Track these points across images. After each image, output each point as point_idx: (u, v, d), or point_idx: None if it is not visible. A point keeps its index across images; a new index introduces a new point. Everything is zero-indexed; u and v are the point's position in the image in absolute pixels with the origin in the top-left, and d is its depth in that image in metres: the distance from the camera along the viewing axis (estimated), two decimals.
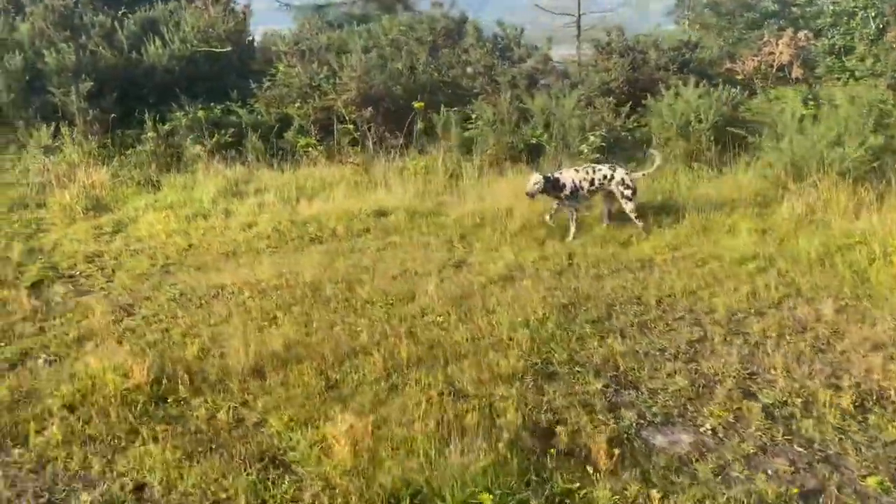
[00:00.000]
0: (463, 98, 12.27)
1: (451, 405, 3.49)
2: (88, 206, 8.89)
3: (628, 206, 7.09)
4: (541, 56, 12.41)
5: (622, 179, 7.09)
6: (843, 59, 12.85)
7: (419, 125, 11.61)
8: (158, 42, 12.33)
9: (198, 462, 3.18)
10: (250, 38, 14.58)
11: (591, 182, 7.12)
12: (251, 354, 4.05)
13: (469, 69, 12.83)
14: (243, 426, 3.48)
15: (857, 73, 12.23)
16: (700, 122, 8.71)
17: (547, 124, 10.32)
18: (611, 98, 10.92)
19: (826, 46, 13.42)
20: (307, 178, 9.89)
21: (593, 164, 7.43)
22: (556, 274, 5.87)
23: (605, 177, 7.14)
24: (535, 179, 7.08)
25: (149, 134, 10.77)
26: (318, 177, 9.95)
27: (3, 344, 4.82)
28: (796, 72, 13.24)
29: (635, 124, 10.11)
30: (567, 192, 7.03)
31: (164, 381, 3.88)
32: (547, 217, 7.25)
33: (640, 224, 7.09)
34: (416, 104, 11.66)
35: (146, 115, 11.11)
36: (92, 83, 10.95)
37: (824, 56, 13.28)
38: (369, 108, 11.44)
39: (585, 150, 9.24)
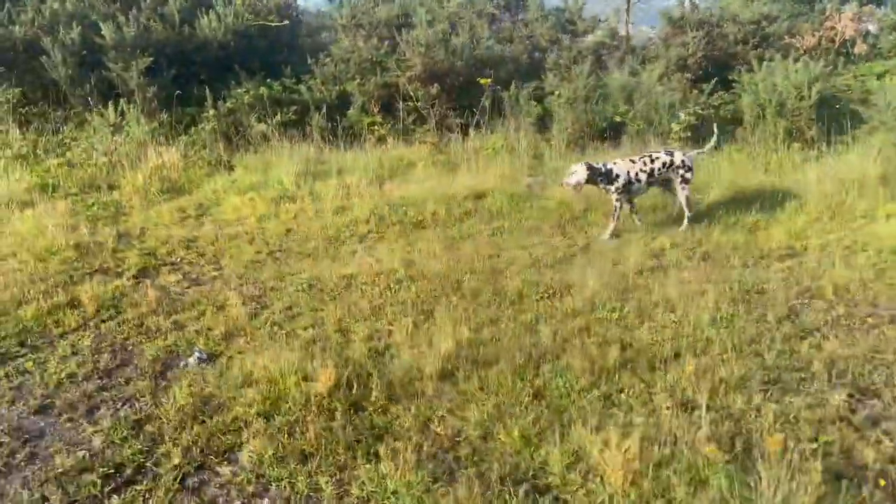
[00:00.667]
0: (528, 74, 11.82)
1: (698, 420, 3.13)
2: (163, 187, 8.53)
3: (684, 192, 6.46)
4: (608, 30, 11.93)
5: (682, 161, 6.45)
6: None
7: (485, 102, 11.20)
8: (213, 15, 11.82)
9: (449, 486, 2.85)
10: (299, 12, 14.04)
11: (651, 173, 6.40)
12: (436, 355, 3.72)
13: (529, 43, 12.36)
14: (470, 440, 3.14)
15: None
16: (801, 98, 8.30)
17: (628, 101, 9.91)
18: (689, 74, 10.50)
19: (892, 22, 12.89)
20: (382, 158, 9.49)
21: (650, 153, 6.66)
22: (698, 263, 5.53)
23: (664, 164, 6.44)
24: (576, 169, 6.30)
25: (210, 112, 10.37)
26: (393, 157, 9.54)
27: (144, 340, 4.50)
28: (859, 48, 12.76)
29: (720, 101, 9.69)
30: (620, 184, 6.30)
31: (347, 384, 3.56)
32: (611, 228, 6.35)
33: (688, 213, 6.45)
34: (483, 80, 11.22)
35: (203, 91, 10.73)
36: (151, 58, 10.50)
37: (889, 31, 12.77)
38: (435, 85, 11.02)
39: (676, 129, 8.84)
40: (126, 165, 8.92)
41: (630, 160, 6.50)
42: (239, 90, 10.71)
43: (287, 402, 3.41)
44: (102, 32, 10.44)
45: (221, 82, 11.18)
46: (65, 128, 10.18)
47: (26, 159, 9.22)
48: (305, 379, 3.62)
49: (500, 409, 3.30)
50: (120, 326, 4.71)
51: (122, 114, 9.87)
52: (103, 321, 4.83)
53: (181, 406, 3.50)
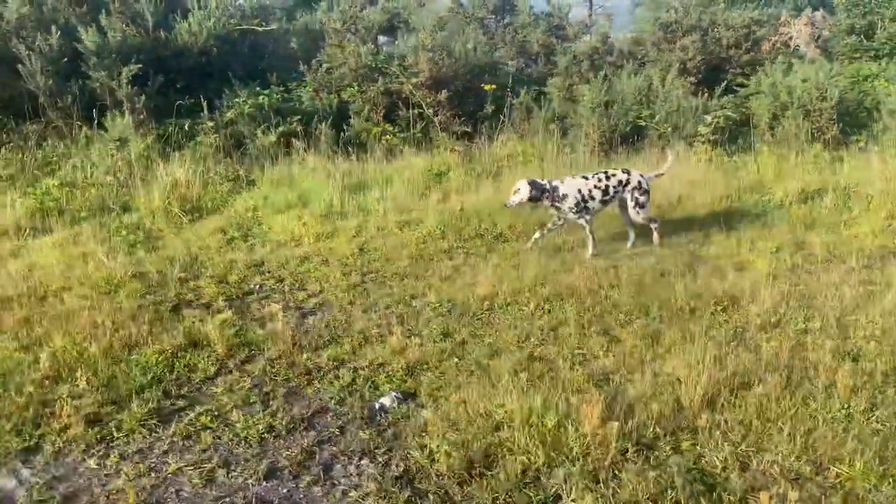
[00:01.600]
0: (523, 80, 11.72)
1: None
2: (184, 207, 7.71)
3: (641, 215, 5.99)
4: (599, 35, 12.03)
5: (639, 183, 5.98)
6: (865, 39, 13.19)
7: (488, 109, 11.00)
8: (193, 19, 10.88)
9: None
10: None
11: (605, 191, 5.90)
12: (693, 383, 3.46)
13: (522, 48, 12.30)
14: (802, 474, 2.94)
15: (880, 52, 12.68)
16: (823, 99, 8.67)
17: (643, 105, 9.97)
18: (690, 78, 10.76)
19: (845, 26, 13.80)
20: (408, 168, 9.06)
21: (605, 170, 6.17)
22: (823, 269, 5.53)
23: (620, 183, 5.96)
24: (519, 187, 5.82)
25: (207, 124, 9.52)
26: (419, 167, 9.10)
27: (311, 381, 3.93)
28: (812, 52, 13.64)
29: (729, 104, 9.97)
30: (571, 203, 5.78)
31: (616, 419, 3.22)
32: (533, 239, 5.99)
33: (656, 234, 6.06)
34: (487, 86, 11.02)
35: (184, 101, 9.82)
36: (139, 66, 9.50)
37: (843, 36, 13.66)
38: (443, 91, 10.69)
39: (704, 132, 8.99)
40: (137, 184, 8.01)
41: (582, 177, 6.03)
42: (238, 99, 9.92)
43: (567, 447, 3.05)
44: (82, 38, 9.35)
45: (202, 91, 10.31)
46: (45, 144, 9.02)
47: (14, 180, 8.08)
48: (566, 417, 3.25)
49: (794, 443, 3.10)
50: (273, 367, 4.12)
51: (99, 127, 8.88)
52: (244, 362, 4.21)
53: (447, 458, 3.04)
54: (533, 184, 5.81)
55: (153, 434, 3.44)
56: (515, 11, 12.72)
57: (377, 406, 3.69)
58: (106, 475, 3.14)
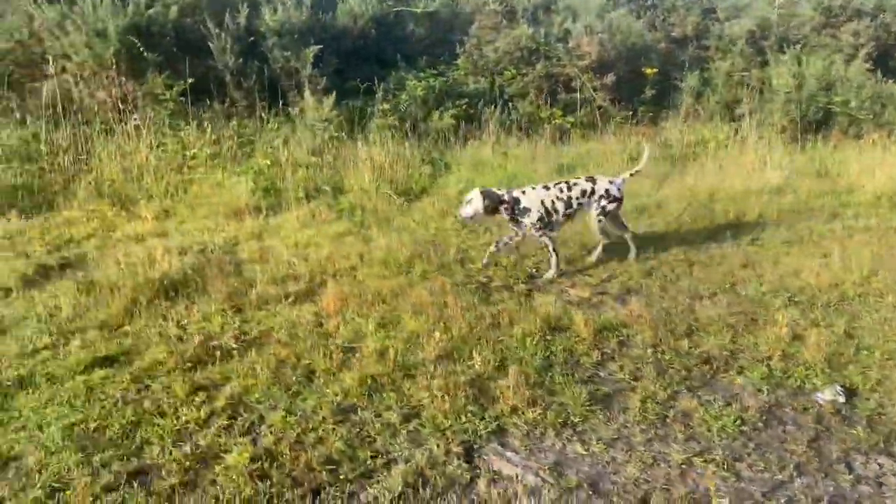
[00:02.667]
0: (678, 64, 11.30)
1: None
2: (396, 189, 7.48)
3: (602, 222, 5.22)
4: (758, 17, 11.52)
5: (606, 191, 5.17)
6: None
7: (647, 93, 10.63)
8: (353, 0, 10.64)
9: None
10: None
11: (568, 203, 5.10)
12: None
13: (674, 31, 11.85)
14: None
15: None
16: None
17: (829, 89, 9.51)
18: (867, 64, 10.26)
19: None
20: (597, 152, 8.75)
21: (567, 179, 5.34)
22: None
23: (583, 193, 5.15)
24: (471, 197, 5.05)
25: (384, 105, 9.28)
26: (611, 150, 8.79)
27: (738, 368, 3.64)
28: None
29: None
30: (534, 218, 5.03)
31: None
32: (488, 253, 5.24)
33: (601, 245, 5.33)
34: (648, 70, 10.64)
35: (358, 83, 9.59)
36: (319, 46, 9.29)
37: None
38: (610, 75, 10.34)
39: None
40: (337, 165, 7.80)
41: (543, 187, 5.19)
42: (412, 82, 9.66)
43: None
44: (264, 17, 9.16)
45: (357, 73, 10.06)
46: (232, 124, 8.83)
47: (221, 160, 7.91)
48: None
49: None
50: (662, 354, 3.86)
51: (286, 107, 8.67)
52: (621, 346, 3.95)
53: None
54: (487, 194, 4.98)
55: (613, 421, 3.20)
56: None
57: (817, 397, 3.40)
58: (606, 462, 2.90)
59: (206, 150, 7.94)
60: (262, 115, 8.83)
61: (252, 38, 9.00)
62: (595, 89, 10.09)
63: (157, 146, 7.89)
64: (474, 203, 5.01)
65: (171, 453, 3.01)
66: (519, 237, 5.21)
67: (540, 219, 5.05)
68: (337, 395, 3.41)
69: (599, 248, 5.38)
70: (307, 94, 8.94)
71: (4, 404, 3.39)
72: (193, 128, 8.18)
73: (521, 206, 5.06)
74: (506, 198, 5.04)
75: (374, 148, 8.08)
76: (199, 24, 9.08)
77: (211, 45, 8.75)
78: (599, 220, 5.24)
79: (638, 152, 8.64)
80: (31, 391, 3.49)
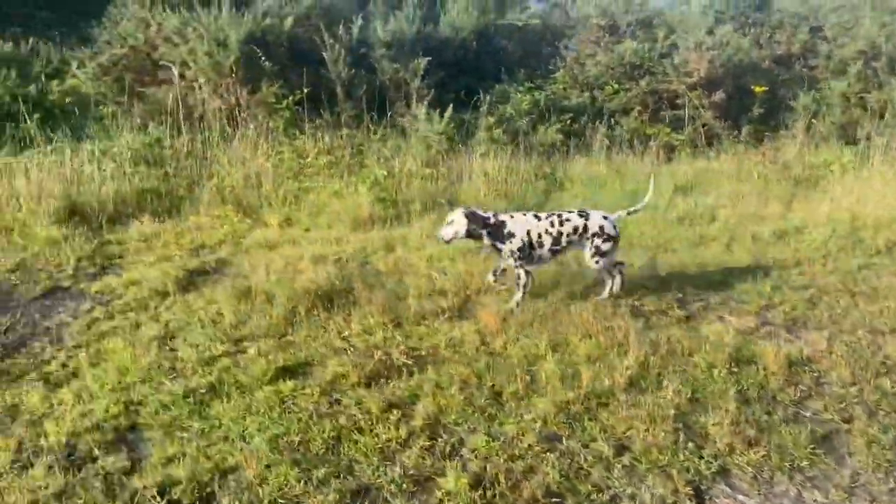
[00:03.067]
0: (786, 82, 10.95)
1: None
2: (509, 204, 7.41)
3: (600, 263, 4.74)
4: (866, 37, 11.07)
5: (600, 228, 4.71)
6: None
7: (754, 111, 10.32)
8: (455, 12, 10.68)
9: None
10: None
11: (557, 238, 4.67)
12: None
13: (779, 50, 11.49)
14: None
15: None
16: None
17: None
18: None
19: None
20: (711, 172, 8.52)
21: (559, 212, 4.83)
22: None
23: (575, 230, 4.70)
24: (453, 218, 4.67)
25: (489, 119, 9.23)
26: (726, 171, 8.55)
27: None
28: None
29: None
30: (514, 246, 4.60)
31: None
32: (490, 277, 4.92)
33: (618, 279, 4.88)
34: (757, 87, 10.33)
35: (459, 95, 9.58)
36: (429, 59, 9.33)
37: None
38: (718, 92, 10.08)
39: None
40: (464, 177, 7.78)
41: (534, 216, 4.75)
42: (517, 95, 9.61)
43: None
44: (376, 29, 9.26)
45: (455, 85, 10.06)
46: (341, 133, 8.91)
47: (336, 169, 7.98)
48: None
49: None
50: (885, 397, 3.63)
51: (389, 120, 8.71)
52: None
53: None
54: (471, 216, 4.60)
55: (843, 466, 3.03)
56: (768, 11, 11.92)
57: None
58: None
59: (322, 159, 8.02)
60: (370, 125, 8.88)
61: (363, 50, 9.08)
62: (703, 107, 9.84)
63: (274, 154, 8.00)
64: (456, 224, 4.61)
65: (385, 473, 2.96)
66: (522, 272, 4.68)
67: (521, 248, 4.60)
68: (536, 421, 3.32)
69: (608, 284, 4.90)
70: (416, 104, 8.98)
71: (202, 412, 3.42)
72: (308, 137, 8.28)
73: (506, 230, 4.61)
74: (491, 221, 4.63)
75: (487, 161, 8.03)
76: (309, 34, 9.23)
77: (325, 55, 8.86)
78: (597, 262, 4.75)
79: (747, 173, 8.40)
80: (223, 400, 3.51)
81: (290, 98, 8.32)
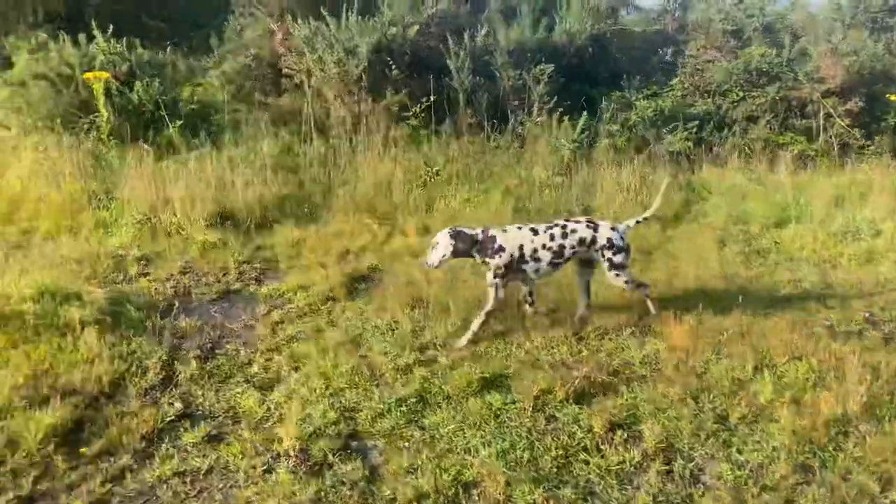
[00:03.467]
0: None
1: None
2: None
3: (619, 279, 4.48)
4: None
5: (609, 240, 4.41)
6: None
7: (890, 120, 9.71)
8: (571, 17, 10.52)
9: None
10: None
11: (559, 252, 4.34)
12: None
13: None
14: None
15: None
16: None
17: None
18: None
19: None
20: (860, 184, 8.05)
21: (565, 222, 4.50)
22: None
23: (581, 241, 4.39)
24: (438, 240, 4.35)
25: (612, 126, 9.02)
26: (862, 182, 8.07)
27: None
28: None
29: None
30: (502, 261, 4.25)
31: None
32: (527, 308, 4.59)
33: (649, 303, 4.59)
34: (892, 96, 9.73)
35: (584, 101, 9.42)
36: (552, 66, 9.21)
37: None
38: (854, 100, 9.55)
39: None
40: (598, 186, 7.62)
41: (531, 229, 4.42)
42: (641, 101, 9.37)
43: None
44: (498, 36, 9.21)
45: (572, 91, 9.85)
46: (463, 140, 8.88)
47: (465, 177, 7.96)
48: None
49: None
50: None
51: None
52: None
53: None
54: (457, 235, 4.28)
55: None
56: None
57: None
58: None
59: (451, 166, 8.01)
60: (490, 132, 8.83)
61: (486, 57, 9.04)
62: (838, 115, 9.34)
63: (403, 162, 8.04)
64: (442, 247, 4.27)
65: (633, 497, 2.82)
66: (495, 290, 4.32)
67: (507, 265, 4.27)
68: (778, 449, 3.12)
69: (648, 304, 4.59)
70: (537, 112, 8.88)
71: (418, 421, 3.37)
72: (434, 144, 8.29)
73: (496, 244, 4.30)
74: (480, 237, 4.32)
75: (618, 169, 7.84)
76: (428, 42, 9.25)
77: (448, 63, 8.86)
78: (618, 276, 4.45)
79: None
80: (435, 410, 3.46)
81: (418, 106, 8.34)
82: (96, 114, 7.85)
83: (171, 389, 3.69)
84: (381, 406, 3.47)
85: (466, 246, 4.29)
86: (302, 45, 9.00)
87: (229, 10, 12.00)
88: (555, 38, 10.41)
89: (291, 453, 3.08)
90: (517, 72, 9.14)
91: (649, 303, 4.60)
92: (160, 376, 3.78)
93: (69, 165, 7.10)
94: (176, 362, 3.96)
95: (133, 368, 3.81)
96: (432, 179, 7.92)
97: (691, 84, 10.33)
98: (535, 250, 4.32)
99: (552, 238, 4.35)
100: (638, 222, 4.72)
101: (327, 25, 8.89)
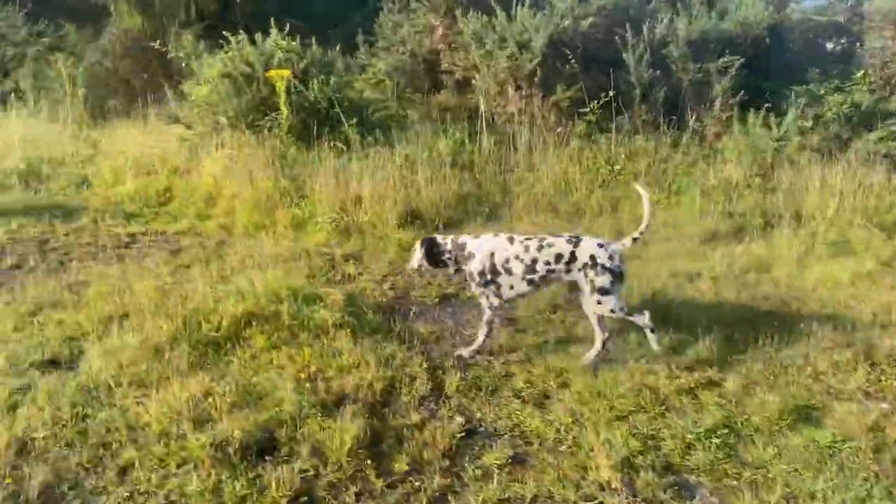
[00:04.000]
0: None
1: None
2: (881, 222, 6.50)
3: (604, 310, 3.83)
4: None
5: (591, 259, 3.82)
6: None
7: None
8: (746, 6, 9.82)
9: None
10: None
11: (532, 266, 3.88)
12: None
13: None
14: None
15: None
16: None
17: None
18: None
19: None
20: None
21: (543, 235, 4.07)
22: None
23: (558, 258, 3.85)
24: (415, 247, 4.26)
25: (803, 123, 8.27)
26: None
27: None
28: None
29: None
30: (474, 268, 3.97)
31: None
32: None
33: (649, 335, 3.88)
34: None
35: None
36: (738, 58, 8.59)
37: None
38: None
39: None
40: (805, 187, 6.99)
41: (507, 238, 4.02)
42: (834, 97, 8.56)
43: None
44: (677, 27, 8.68)
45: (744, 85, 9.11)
46: (636, 138, 8.39)
47: (650, 176, 7.52)
48: None
49: None
50: None
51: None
52: None
53: None
54: (427, 243, 4.16)
55: None
56: None
57: None
58: None
59: (631, 165, 7.60)
60: (666, 130, 8.30)
61: (664, 50, 8.53)
62: None
63: (581, 160, 7.69)
64: (416, 253, 4.21)
65: None
66: (488, 304, 4.03)
67: (480, 272, 3.97)
68: None
69: (598, 343, 3.92)
70: (719, 107, 8.29)
71: (737, 455, 3.02)
72: (613, 142, 7.89)
73: (467, 251, 4.05)
74: (448, 246, 4.11)
75: (827, 170, 7.15)
76: (597, 34, 8.84)
77: (624, 56, 8.42)
78: (599, 302, 3.83)
79: None
80: (747, 444, 3.10)
81: (595, 102, 7.95)
82: (277, 111, 7.98)
83: (444, 401, 3.52)
84: (688, 435, 3.15)
85: (436, 255, 4.15)
86: (470, 40, 8.81)
87: (374, 6, 12.03)
88: (728, 29, 9.75)
89: (615, 485, 2.81)
90: (697, 65, 8.57)
91: (649, 335, 3.92)
92: (428, 385, 3.62)
93: (258, 163, 7.21)
94: (439, 371, 3.80)
95: (400, 376, 3.67)
96: (613, 179, 7.55)
97: (881, 78, 9.39)
98: (507, 260, 3.96)
99: (526, 250, 3.95)
100: (635, 240, 4.04)
101: (494, 18, 8.66)
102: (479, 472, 2.95)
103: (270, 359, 3.84)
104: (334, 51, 9.04)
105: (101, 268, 5.24)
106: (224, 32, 8.62)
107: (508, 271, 3.96)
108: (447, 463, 3.01)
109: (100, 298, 4.48)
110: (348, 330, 4.08)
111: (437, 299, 4.94)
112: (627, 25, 8.41)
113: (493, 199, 7.31)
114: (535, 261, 3.91)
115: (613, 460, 2.96)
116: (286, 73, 7.86)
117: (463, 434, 3.21)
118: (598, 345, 3.91)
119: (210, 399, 3.30)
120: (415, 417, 3.34)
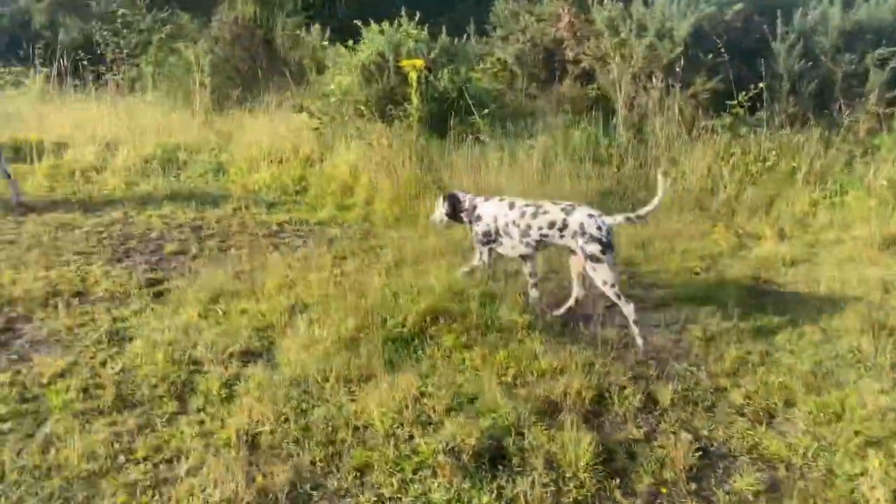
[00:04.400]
0: None
1: None
2: None
3: (598, 277, 4.00)
4: None
5: (580, 226, 4.00)
6: None
7: None
8: None
9: None
10: None
11: (526, 231, 4.21)
12: None
13: None
14: None
15: None
16: None
17: None
18: None
19: None
20: None
21: (539, 202, 4.32)
22: None
23: (551, 225, 4.11)
24: (439, 202, 4.79)
25: None
26: None
27: None
28: None
29: None
30: (480, 229, 4.44)
31: None
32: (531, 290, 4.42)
33: (634, 331, 3.99)
34: None
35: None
36: (892, 49, 7.93)
37: None
38: None
39: None
40: None
41: (510, 203, 4.40)
42: None
43: None
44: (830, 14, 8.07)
45: None
46: (781, 133, 7.83)
47: (812, 174, 7.03)
48: None
49: None
50: None
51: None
52: None
53: None
54: (450, 198, 4.65)
55: None
56: None
57: None
58: None
59: (783, 162, 7.13)
60: (815, 123, 7.73)
61: (814, 39, 7.95)
62: None
63: (728, 156, 7.27)
64: (439, 206, 4.72)
65: None
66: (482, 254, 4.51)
67: (486, 233, 4.43)
68: None
69: (571, 300, 4.35)
70: (874, 101, 7.67)
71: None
72: (764, 137, 7.42)
73: (476, 212, 4.50)
74: (466, 204, 4.57)
75: None
76: (736, 22, 8.33)
77: (773, 45, 7.90)
78: (594, 269, 4.03)
79: None
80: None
81: (743, 94, 7.49)
82: (407, 101, 7.89)
83: (662, 415, 3.30)
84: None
85: (457, 209, 4.57)
86: (603, 27, 8.48)
87: None
88: (889, 18, 9.00)
89: None
90: (851, 55, 7.96)
91: (633, 329, 3.99)
92: (638, 396, 3.40)
93: (396, 154, 7.13)
94: (642, 381, 3.58)
95: (606, 384, 3.47)
96: (762, 176, 7.11)
97: None
98: (507, 224, 4.32)
99: (522, 215, 4.25)
100: (629, 219, 4.13)
101: (629, 5, 8.29)
102: (732, 497, 2.72)
103: (462, 358, 3.72)
104: (461, 40, 8.89)
105: (262, 257, 5.26)
106: (353, 22, 8.62)
107: (508, 234, 4.34)
108: (693, 486, 2.78)
109: (276, 289, 4.48)
110: (537, 331, 3.91)
111: (607, 302, 4.71)
112: (779, 12, 7.86)
113: (634, 195, 6.99)
114: (529, 227, 4.24)
115: (885, 492, 2.67)
116: (420, 62, 7.75)
117: (699, 453, 2.98)
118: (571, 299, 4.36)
119: (425, 400, 3.20)
120: (636, 432, 3.13)
